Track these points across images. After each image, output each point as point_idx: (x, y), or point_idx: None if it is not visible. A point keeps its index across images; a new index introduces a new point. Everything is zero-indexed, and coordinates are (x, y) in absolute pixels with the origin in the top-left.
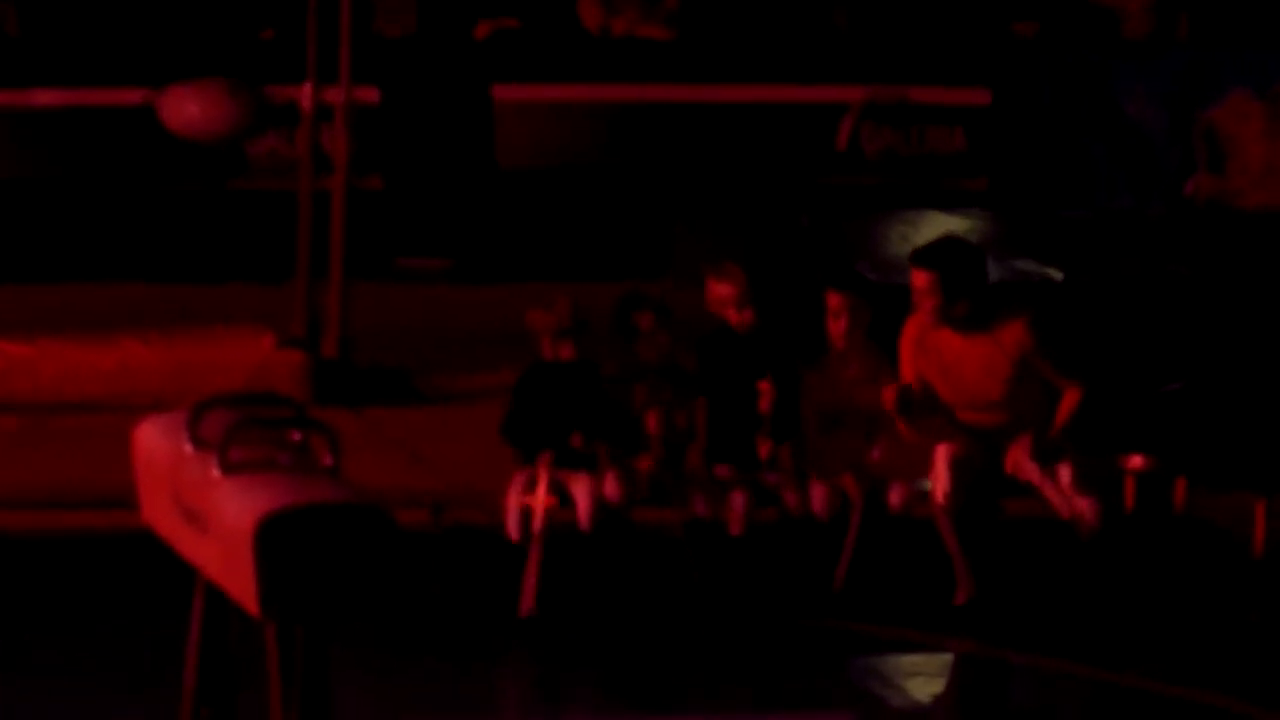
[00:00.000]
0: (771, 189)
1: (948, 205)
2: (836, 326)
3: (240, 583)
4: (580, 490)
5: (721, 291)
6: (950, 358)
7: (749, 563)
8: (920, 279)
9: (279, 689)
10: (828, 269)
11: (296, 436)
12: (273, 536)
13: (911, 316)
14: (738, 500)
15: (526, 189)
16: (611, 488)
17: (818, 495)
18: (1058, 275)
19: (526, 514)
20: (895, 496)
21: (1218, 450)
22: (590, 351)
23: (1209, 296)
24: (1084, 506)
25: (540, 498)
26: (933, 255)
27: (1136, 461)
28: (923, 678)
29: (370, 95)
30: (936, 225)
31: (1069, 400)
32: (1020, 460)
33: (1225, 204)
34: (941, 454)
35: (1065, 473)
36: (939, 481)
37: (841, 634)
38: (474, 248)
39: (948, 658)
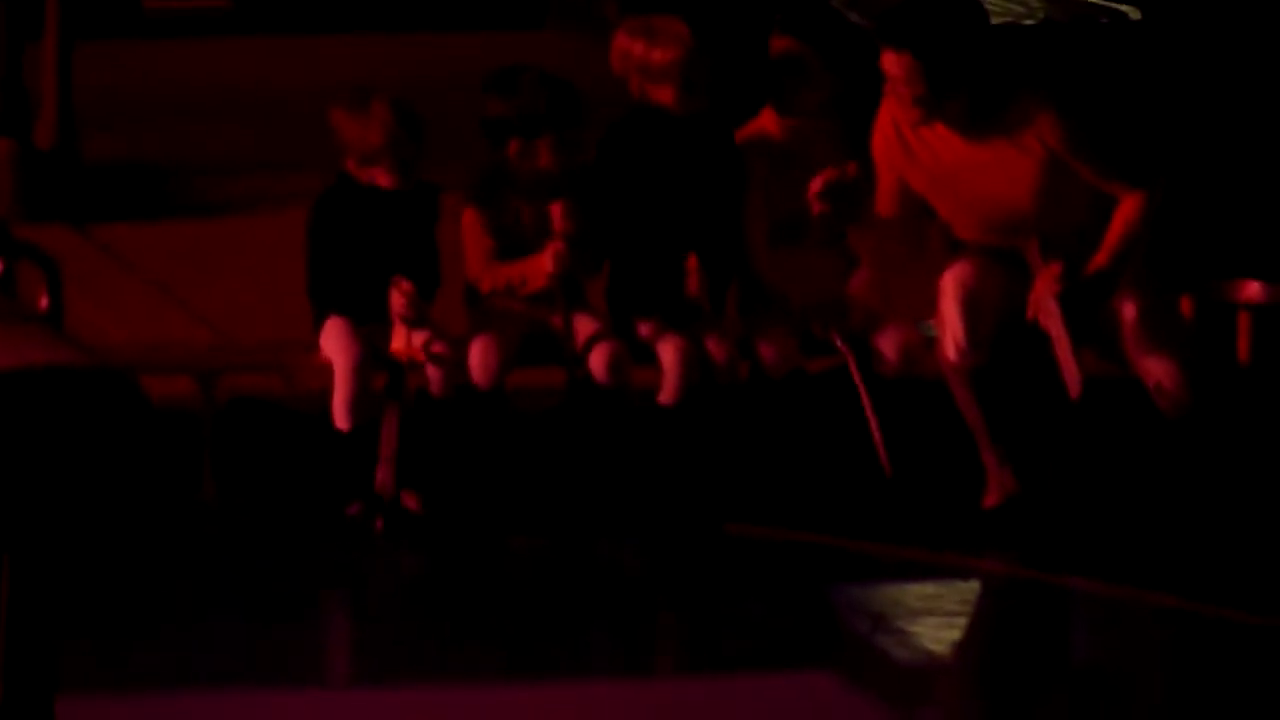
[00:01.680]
0: None
1: None
2: (903, 102)
3: None
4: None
5: (656, 58)
6: (950, 164)
7: (677, 444)
8: (892, 62)
9: None
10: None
11: None
12: None
13: (885, 104)
14: (670, 351)
15: None
16: (482, 351)
17: (769, 344)
18: (1133, 12)
19: (364, 389)
20: (889, 345)
21: None
22: (423, 166)
23: None
24: (1158, 370)
25: (409, 344)
26: (906, 26)
27: (1252, 291)
28: (937, 618)
29: None
30: None
31: (1126, 212)
32: (1043, 299)
33: None
34: (948, 285)
35: (1129, 317)
36: (948, 326)
37: (816, 551)
38: None
39: (973, 586)
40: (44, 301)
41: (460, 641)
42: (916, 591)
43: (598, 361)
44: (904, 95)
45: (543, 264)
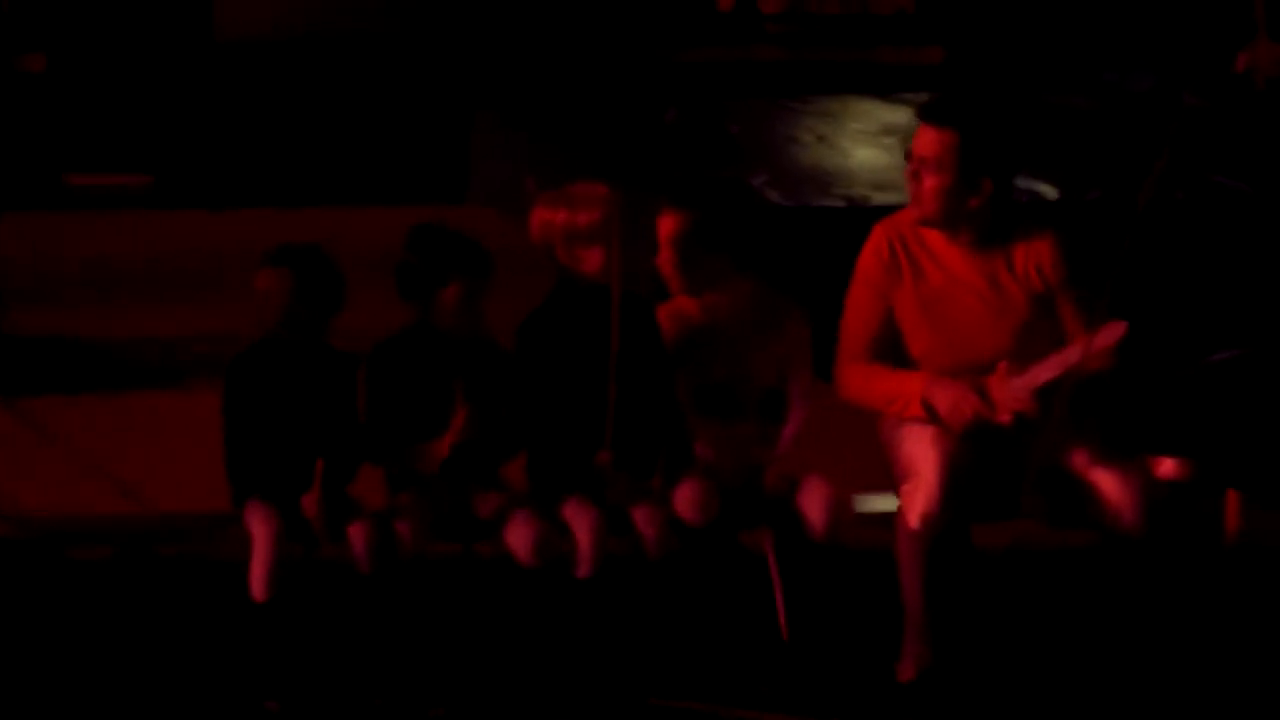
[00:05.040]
0: (618, 69)
1: (885, 89)
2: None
3: None
4: (356, 532)
5: (583, 221)
6: (941, 284)
7: (595, 615)
8: (932, 140)
9: None
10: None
11: None
12: None
13: (878, 229)
14: (585, 525)
15: (257, 71)
16: (404, 525)
17: (687, 495)
18: (1050, 193)
19: (284, 558)
20: (813, 506)
21: None
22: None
23: (1274, 223)
24: (1115, 488)
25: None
26: (951, 107)
27: (1168, 468)
28: None
29: None
30: (869, 119)
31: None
32: (1008, 388)
33: None
34: (931, 452)
35: (1082, 456)
36: (921, 492)
37: None
38: (182, 157)
39: None
40: None
41: None
42: None
43: (520, 543)
44: (928, 184)
45: (437, 450)
